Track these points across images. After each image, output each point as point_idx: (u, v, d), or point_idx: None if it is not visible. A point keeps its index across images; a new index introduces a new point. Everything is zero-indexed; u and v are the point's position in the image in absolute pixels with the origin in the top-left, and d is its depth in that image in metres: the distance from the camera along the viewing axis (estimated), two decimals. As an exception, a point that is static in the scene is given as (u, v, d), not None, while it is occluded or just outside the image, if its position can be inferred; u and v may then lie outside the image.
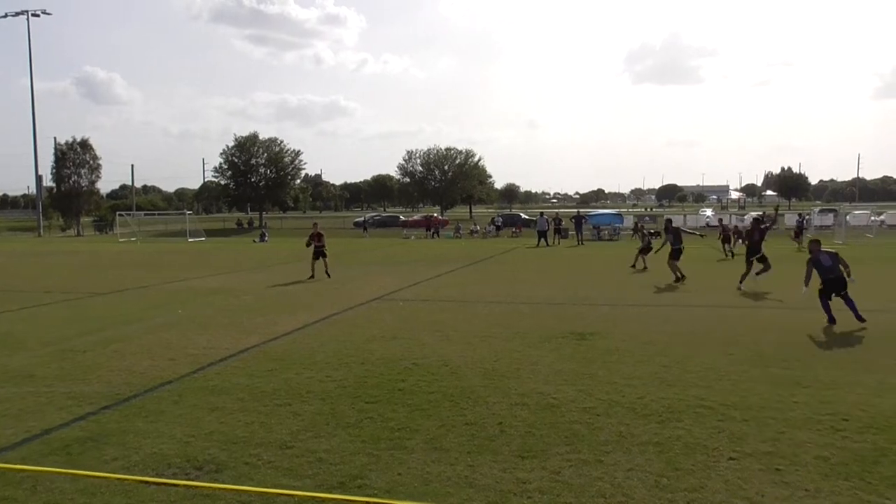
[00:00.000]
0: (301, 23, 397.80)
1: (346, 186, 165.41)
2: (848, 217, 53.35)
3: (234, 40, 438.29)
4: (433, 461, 6.14)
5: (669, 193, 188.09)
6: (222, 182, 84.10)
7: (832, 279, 12.59)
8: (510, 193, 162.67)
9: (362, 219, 71.24)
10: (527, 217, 63.45)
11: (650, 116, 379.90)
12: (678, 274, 19.42)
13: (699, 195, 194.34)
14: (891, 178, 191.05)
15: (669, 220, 22.70)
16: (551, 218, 42.63)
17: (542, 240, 39.00)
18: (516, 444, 6.55)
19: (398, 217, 75.39)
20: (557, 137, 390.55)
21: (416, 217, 74.01)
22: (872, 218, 56.10)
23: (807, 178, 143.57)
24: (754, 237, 18.31)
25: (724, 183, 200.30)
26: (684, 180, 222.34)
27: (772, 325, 12.64)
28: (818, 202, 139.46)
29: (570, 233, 42.68)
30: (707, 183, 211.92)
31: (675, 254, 19.89)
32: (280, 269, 26.26)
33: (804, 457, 6.14)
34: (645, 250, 24.09)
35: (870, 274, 21.94)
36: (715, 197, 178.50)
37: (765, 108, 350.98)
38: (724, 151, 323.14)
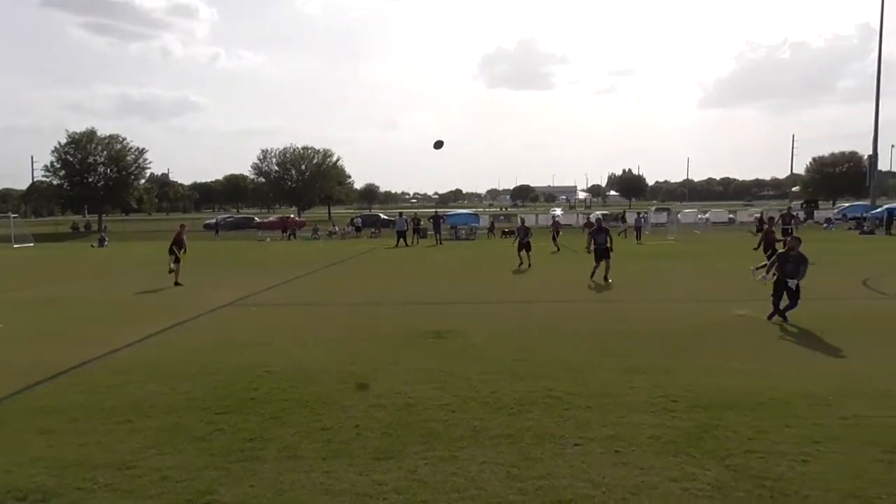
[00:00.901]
0: (147, 12, 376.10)
1: (197, 186, 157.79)
2: (679, 215, 58.05)
3: (70, 28, 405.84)
4: (287, 470, 6.00)
5: (523, 194, 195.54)
6: (55, 182, 77.38)
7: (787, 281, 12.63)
8: (370, 194, 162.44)
9: (214, 221, 68.29)
10: (386, 217, 63.55)
11: (505, 119, 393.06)
12: (525, 261, 23.66)
13: (550, 195, 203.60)
14: (715, 179, 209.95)
15: (523, 220, 24.48)
16: (410, 218, 43.02)
17: (402, 240, 39.27)
18: (373, 446, 6.54)
19: (253, 218, 72.85)
20: (417, 138, 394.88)
21: (271, 218, 72.00)
22: (700, 216, 61.38)
23: (645, 179, 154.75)
24: (598, 240, 19.69)
25: (572, 184, 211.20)
26: (537, 181, 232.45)
27: (615, 317, 13.47)
28: (654, 201, 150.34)
29: (429, 233, 43.29)
30: (557, 184, 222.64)
31: (523, 245, 24.21)
32: (122, 275, 24.63)
33: (640, 437, 6.60)
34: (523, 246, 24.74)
35: (702, 267, 24.01)
36: (564, 197, 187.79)
37: (609, 114, 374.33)
38: (573, 154, 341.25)
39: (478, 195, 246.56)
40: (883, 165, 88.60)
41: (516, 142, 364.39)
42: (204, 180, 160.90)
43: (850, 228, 47.89)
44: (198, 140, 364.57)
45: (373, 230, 53.60)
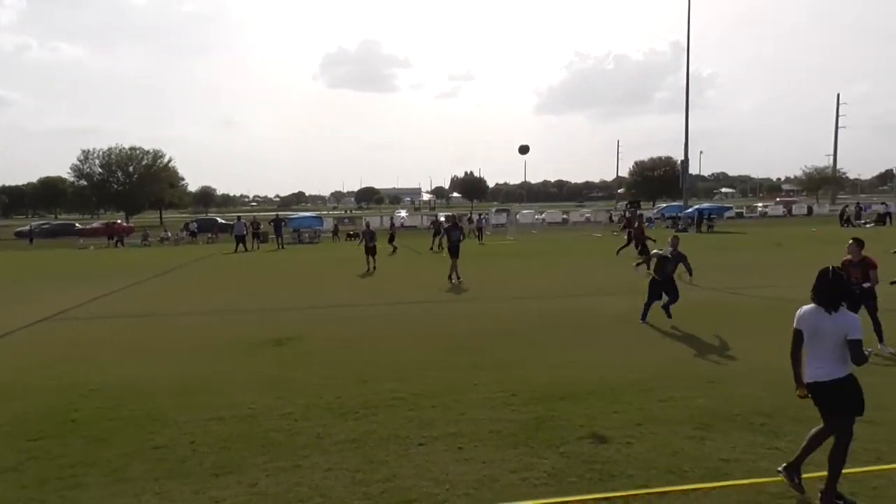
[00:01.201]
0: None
1: (5, 190, 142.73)
2: (518, 216, 60.61)
3: None
4: (115, 495, 5.58)
5: (368, 196, 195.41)
6: None
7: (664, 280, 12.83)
8: (206, 197, 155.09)
9: (27, 228, 62.07)
10: (224, 221, 60.95)
11: (349, 121, 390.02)
12: (371, 265, 23.71)
13: (395, 197, 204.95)
14: (550, 181, 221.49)
15: (368, 223, 24.27)
16: (249, 222, 41.53)
17: (241, 245, 37.83)
18: (210, 462, 6.24)
19: (73, 225, 67.00)
20: (257, 137, 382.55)
21: (95, 224, 66.63)
22: (536, 216, 64.45)
23: (485, 181, 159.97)
24: (452, 237, 20.00)
25: (416, 185, 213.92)
26: (381, 183, 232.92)
27: (460, 317, 13.79)
28: (495, 203, 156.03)
29: (270, 237, 42.04)
30: (402, 185, 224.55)
31: (370, 249, 23.96)
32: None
33: (481, 433, 6.80)
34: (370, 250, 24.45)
35: (540, 265, 25.17)
36: (409, 199, 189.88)
37: (451, 117, 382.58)
38: (417, 156, 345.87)
39: (322, 198, 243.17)
40: (693, 170, 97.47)
41: (360, 143, 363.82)
42: (13, 183, 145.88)
43: (667, 227, 52.22)
44: (4, 139, 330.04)
45: (210, 235, 51.11)
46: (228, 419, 7.44)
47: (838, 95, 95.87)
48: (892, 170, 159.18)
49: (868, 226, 46.13)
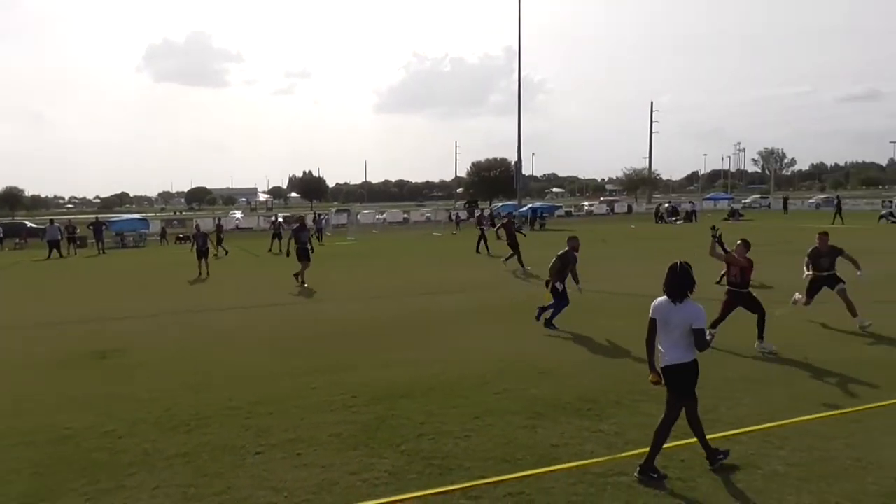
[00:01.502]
0: None
1: None
2: (359, 216, 60.47)
3: None
4: None
5: (199, 196, 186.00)
6: None
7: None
8: (12, 198, 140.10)
9: None
10: (34, 226, 55.48)
11: (177, 117, 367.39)
12: (204, 270, 22.47)
13: (229, 198, 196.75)
14: (391, 181, 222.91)
15: (198, 226, 23.17)
16: (64, 226, 38.14)
17: (55, 251, 34.63)
18: (19, 491, 5.68)
19: None
20: (72, 134, 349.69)
21: None
22: (377, 216, 64.66)
23: (325, 181, 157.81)
24: (300, 238, 19.43)
25: (252, 185, 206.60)
26: (214, 183, 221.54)
27: (300, 320, 13.51)
28: (336, 202, 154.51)
29: (90, 241, 38.86)
30: (236, 185, 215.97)
31: (202, 253, 22.88)
32: None
33: (321, 437, 6.71)
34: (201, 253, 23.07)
35: (381, 265, 25.23)
36: (245, 199, 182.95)
37: (288, 115, 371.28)
38: (254, 155, 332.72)
39: (148, 199, 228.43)
40: (526, 170, 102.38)
41: (191, 141, 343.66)
42: None
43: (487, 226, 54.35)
44: None
45: (17, 241, 46.30)
46: (41, 443, 6.80)
47: (651, 103, 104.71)
48: (696, 171, 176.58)
49: (678, 222, 50.73)
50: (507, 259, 21.60)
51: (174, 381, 8.99)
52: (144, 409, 7.81)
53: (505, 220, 23.78)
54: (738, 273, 9.91)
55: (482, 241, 27.55)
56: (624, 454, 5.97)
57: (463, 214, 64.48)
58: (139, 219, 52.19)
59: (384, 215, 67.24)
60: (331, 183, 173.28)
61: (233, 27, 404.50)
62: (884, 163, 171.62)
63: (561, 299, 11.87)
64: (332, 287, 18.50)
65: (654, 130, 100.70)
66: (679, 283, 5.55)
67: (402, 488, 5.49)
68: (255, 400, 7.99)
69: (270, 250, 31.68)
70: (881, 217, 43.43)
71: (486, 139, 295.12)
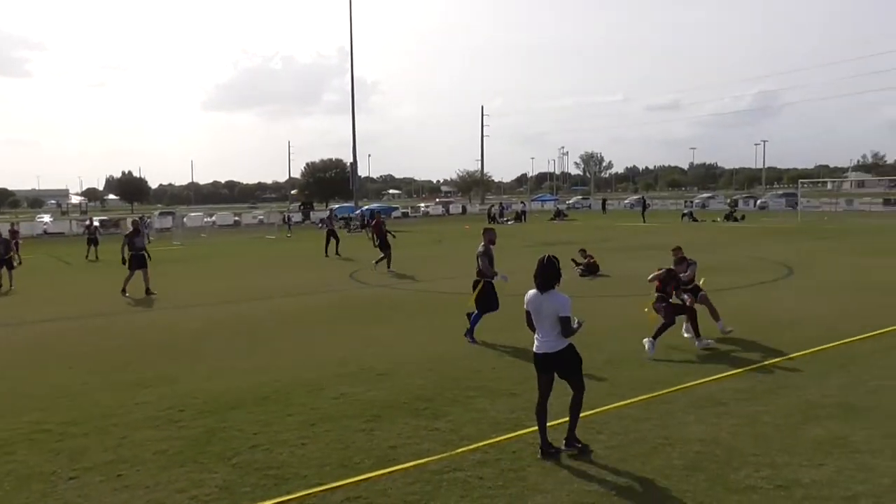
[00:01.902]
0: None
1: None
2: (185, 219, 57.34)
3: None
4: None
5: (0, 198, 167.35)
6: None
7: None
8: None
9: None
10: None
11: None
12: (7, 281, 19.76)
13: (36, 200, 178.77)
14: (220, 182, 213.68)
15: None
16: None
17: None
18: None
19: None
20: None
21: None
22: (206, 219, 61.69)
23: (147, 182, 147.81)
24: (136, 244, 17.35)
25: (63, 187, 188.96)
26: (18, 184, 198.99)
27: (122, 331, 12.55)
28: (159, 205, 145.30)
29: None
30: (45, 187, 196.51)
31: (4, 262, 19.89)
32: None
33: (145, 455, 6.28)
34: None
35: (209, 270, 24.06)
36: (54, 201, 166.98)
37: (103, 111, 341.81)
38: (65, 153, 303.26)
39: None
40: (363, 171, 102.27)
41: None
42: None
43: (339, 227, 53.86)
44: None
45: None
46: None
47: (482, 107, 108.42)
48: (525, 174, 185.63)
49: (509, 222, 53.03)
50: (378, 262, 20.96)
51: (-31, 405, 8.01)
52: (-69, 439, 6.90)
53: (374, 221, 22.65)
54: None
55: (330, 244, 26.93)
56: (460, 450, 6.12)
57: (297, 217, 63.31)
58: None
59: (213, 218, 64.28)
60: (153, 184, 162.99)
61: (33, 13, 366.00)
62: (686, 167, 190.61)
63: (489, 303, 10.80)
64: (157, 295, 17.41)
65: (485, 134, 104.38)
66: (545, 274, 5.96)
67: (235, 502, 5.27)
68: (68, 420, 7.32)
69: (87, 257, 29.16)
70: (683, 216, 48.24)
71: (321, 139, 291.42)
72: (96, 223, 37.52)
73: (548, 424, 6.08)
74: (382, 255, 21.09)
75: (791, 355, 9.16)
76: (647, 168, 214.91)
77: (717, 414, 6.94)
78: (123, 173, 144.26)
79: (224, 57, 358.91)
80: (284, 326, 12.51)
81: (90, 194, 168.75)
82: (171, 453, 6.32)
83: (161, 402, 7.84)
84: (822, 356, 9.16)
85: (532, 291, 6.12)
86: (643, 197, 60.26)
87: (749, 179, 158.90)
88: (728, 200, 64.13)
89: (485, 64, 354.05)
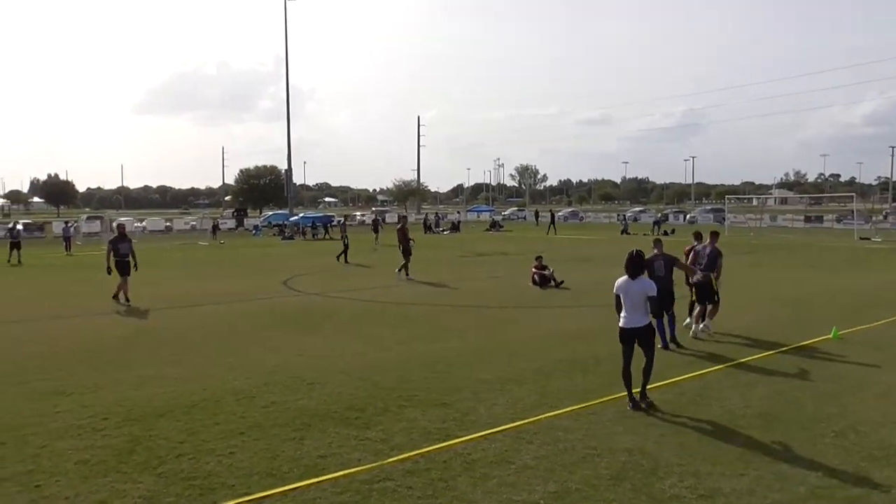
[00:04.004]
0: None
1: None
2: (114, 224, 55.37)
3: None
4: None
5: None
6: None
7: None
8: None
9: None
10: None
11: None
12: None
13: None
14: (151, 187, 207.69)
15: None
16: None
17: None
18: None
19: None
20: None
21: None
22: (136, 223, 59.80)
23: (75, 185, 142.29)
24: (121, 250, 16.41)
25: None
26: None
27: (41, 338, 12.05)
28: (87, 209, 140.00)
29: None
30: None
31: None
32: None
33: (65, 465, 6.08)
34: None
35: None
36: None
37: (30, 111, 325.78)
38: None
39: None
40: (298, 179, 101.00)
41: None
42: None
43: (274, 234, 53.09)
44: None
45: None
46: None
47: (419, 118, 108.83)
48: (461, 184, 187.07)
49: (445, 232, 53.29)
50: (400, 269, 20.36)
51: None
52: None
53: (400, 227, 21.61)
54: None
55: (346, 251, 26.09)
56: (390, 460, 6.15)
57: (230, 223, 61.96)
58: None
59: (144, 223, 62.39)
60: (81, 188, 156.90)
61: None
62: (618, 180, 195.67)
63: None
64: (79, 301, 16.82)
65: (421, 144, 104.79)
66: (635, 264, 7.75)
67: (159, 513, 5.17)
68: (-19, 430, 7.01)
69: (10, 261, 27.92)
70: (622, 232, 48.46)
71: (256, 146, 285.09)
72: (20, 226, 36.01)
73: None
74: (405, 261, 20.47)
75: (716, 367, 9.55)
76: (580, 181, 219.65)
77: (644, 424, 7.15)
78: (49, 175, 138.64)
79: (156, 61, 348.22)
80: (214, 334, 12.25)
81: (13, 196, 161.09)
82: (93, 463, 6.13)
83: (83, 411, 7.59)
84: (746, 367, 9.57)
85: (622, 278, 7.77)
86: (551, 210, 60.17)
87: (678, 194, 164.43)
88: (658, 214, 65.73)
89: (422, 73, 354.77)
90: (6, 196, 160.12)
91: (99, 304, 16.15)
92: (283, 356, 10.39)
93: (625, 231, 47.90)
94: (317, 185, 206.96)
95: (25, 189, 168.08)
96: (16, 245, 28.82)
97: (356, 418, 7.35)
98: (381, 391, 8.38)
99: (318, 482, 5.69)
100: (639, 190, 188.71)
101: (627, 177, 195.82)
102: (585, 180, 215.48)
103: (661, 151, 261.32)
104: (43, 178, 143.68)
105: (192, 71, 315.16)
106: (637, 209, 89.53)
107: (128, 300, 16.05)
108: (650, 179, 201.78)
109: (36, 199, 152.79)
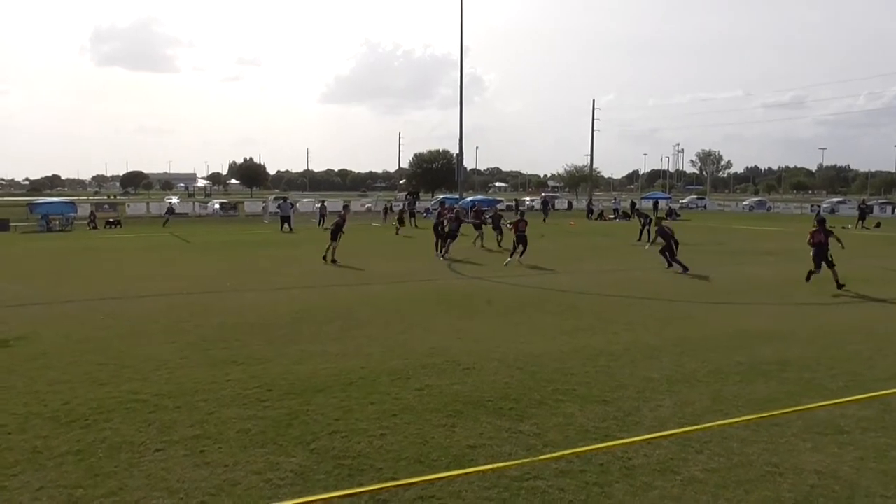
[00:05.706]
0: None
1: None
2: (297, 204, 59.28)
3: None
4: None
5: (135, 180, 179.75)
6: None
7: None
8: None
9: None
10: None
11: (120, 102, 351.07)
12: None
13: (167, 182, 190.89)
14: (333, 170, 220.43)
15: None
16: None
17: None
18: None
19: None
20: (6, 115, 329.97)
21: None
22: (316, 205, 63.49)
23: (266, 168, 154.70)
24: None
25: (192, 171, 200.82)
26: (151, 168, 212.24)
27: (217, 309, 12.90)
28: (276, 190, 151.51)
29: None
30: (175, 171, 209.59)
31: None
32: None
33: (228, 433, 6.33)
34: None
35: (311, 253, 24.63)
36: (183, 185, 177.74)
37: (234, 102, 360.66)
38: (198, 141, 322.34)
39: (81, 182, 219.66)
40: (470, 164, 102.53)
41: (131, 125, 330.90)
42: None
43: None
44: None
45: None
46: (-85, 438, 6.21)
47: (594, 101, 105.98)
48: (637, 171, 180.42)
49: (617, 220, 51.44)
50: (520, 256, 20.35)
51: (77, 372, 8.42)
52: (41, 402, 7.27)
53: (518, 220, 21.11)
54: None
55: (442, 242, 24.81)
56: (542, 457, 5.78)
57: (399, 206, 63.76)
58: (65, 202, 49.93)
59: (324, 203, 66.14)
60: (272, 170, 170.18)
61: (184, 12, 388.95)
62: (813, 168, 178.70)
63: None
64: (257, 276, 17.96)
65: (595, 129, 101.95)
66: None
67: (307, 490, 5.18)
68: (161, 392, 7.54)
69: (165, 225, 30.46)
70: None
71: (431, 131, 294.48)
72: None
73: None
74: (523, 248, 20.45)
75: (926, 380, 8.19)
76: (769, 168, 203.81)
77: (837, 443, 6.18)
78: (245, 160, 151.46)
79: (347, 52, 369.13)
80: (379, 314, 12.48)
81: (214, 178, 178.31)
82: (253, 433, 6.34)
83: (250, 381, 7.94)
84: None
85: None
86: (863, 200, 55.26)
87: (887, 184, 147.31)
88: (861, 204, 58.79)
89: (597, 59, 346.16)
90: (208, 178, 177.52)
91: (272, 279, 17.13)
92: (441, 339, 10.32)
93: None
94: (488, 169, 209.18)
95: (224, 171, 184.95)
96: (286, 219, 36.93)
97: (510, 409, 7.04)
98: (537, 382, 8.00)
99: (465, 473, 5.45)
100: (837, 179, 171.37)
101: (825, 164, 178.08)
102: (775, 168, 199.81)
103: (863, 136, 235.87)
104: (240, 161, 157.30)
105: (380, 60, 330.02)
106: (835, 199, 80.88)
107: (334, 260, 20.45)
108: (851, 167, 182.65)
109: (233, 180, 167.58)
